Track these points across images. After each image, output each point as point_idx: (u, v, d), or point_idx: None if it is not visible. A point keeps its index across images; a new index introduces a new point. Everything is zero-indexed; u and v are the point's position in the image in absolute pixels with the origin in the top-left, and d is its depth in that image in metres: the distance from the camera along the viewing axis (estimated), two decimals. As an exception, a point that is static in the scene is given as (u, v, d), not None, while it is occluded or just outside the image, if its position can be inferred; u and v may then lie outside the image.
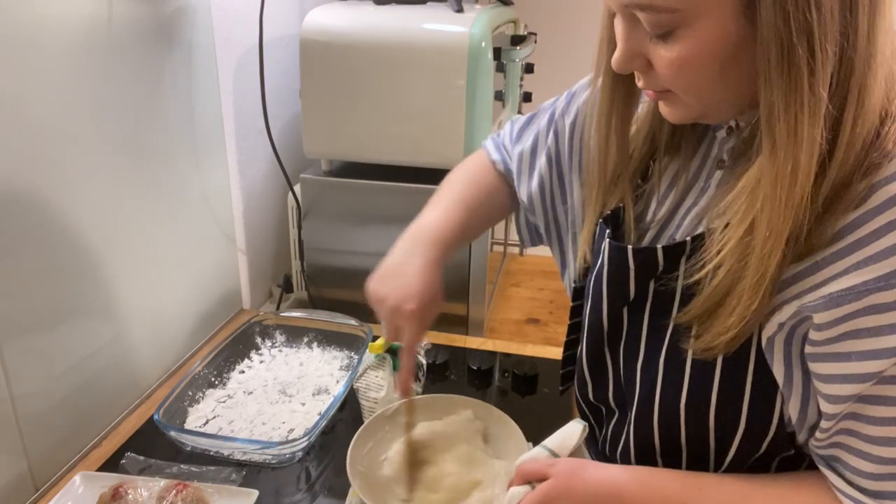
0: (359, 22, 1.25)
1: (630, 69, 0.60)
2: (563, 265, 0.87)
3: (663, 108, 0.62)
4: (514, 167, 0.89)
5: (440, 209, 0.85)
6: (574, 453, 0.72)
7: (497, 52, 1.26)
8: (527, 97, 1.71)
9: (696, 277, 0.59)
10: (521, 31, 1.58)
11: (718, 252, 0.57)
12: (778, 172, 0.52)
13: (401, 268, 0.79)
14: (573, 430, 0.72)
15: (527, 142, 0.87)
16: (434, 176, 1.29)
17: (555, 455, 0.71)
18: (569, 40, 2.17)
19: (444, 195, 0.88)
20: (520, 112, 1.71)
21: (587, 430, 0.73)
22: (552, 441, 0.73)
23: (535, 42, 1.55)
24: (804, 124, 0.50)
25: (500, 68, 1.37)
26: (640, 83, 0.61)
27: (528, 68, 1.66)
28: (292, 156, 1.42)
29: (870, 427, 0.55)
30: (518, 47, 1.37)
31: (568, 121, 0.81)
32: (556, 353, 1.23)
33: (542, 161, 0.85)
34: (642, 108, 0.70)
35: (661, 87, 0.59)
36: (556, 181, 0.85)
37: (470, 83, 1.20)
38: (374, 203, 1.32)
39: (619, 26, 0.58)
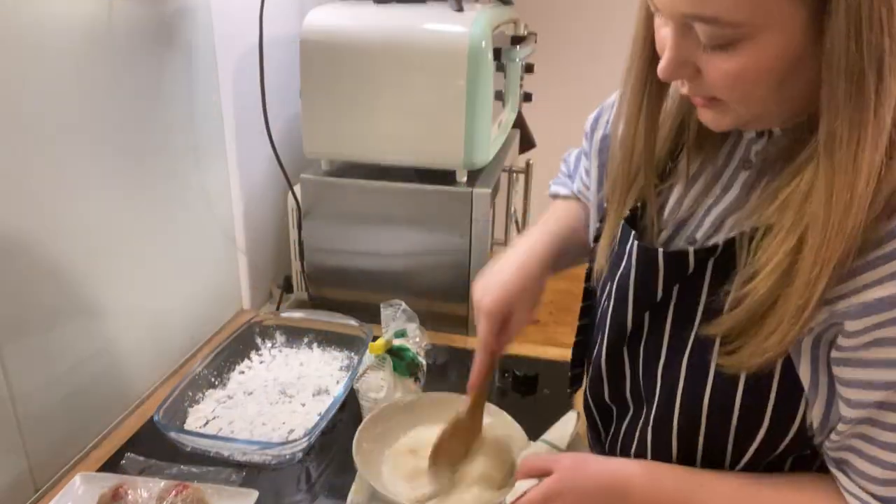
0: (359, 22, 1.24)
1: (678, 77, 0.58)
2: None
3: (706, 115, 0.60)
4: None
5: (539, 229, 0.89)
6: (572, 442, 0.72)
7: (497, 52, 1.25)
8: (527, 97, 1.71)
9: (735, 292, 0.58)
10: (521, 31, 1.58)
11: (758, 268, 0.56)
12: (835, 200, 0.51)
13: (498, 269, 0.82)
14: (568, 420, 0.74)
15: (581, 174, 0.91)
16: (434, 176, 1.30)
17: (554, 447, 0.72)
18: (569, 40, 2.17)
19: (543, 221, 0.92)
20: (520, 112, 1.71)
21: (580, 419, 0.73)
22: (550, 434, 0.74)
23: (535, 42, 1.55)
24: (866, 151, 0.49)
25: (500, 68, 1.37)
26: (684, 89, 0.59)
27: (528, 68, 1.66)
28: (292, 156, 1.42)
29: (885, 433, 0.55)
30: (518, 47, 1.37)
31: (598, 135, 0.81)
32: (556, 353, 1.23)
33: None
34: (666, 106, 0.69)
35: (709, 94, 0.57)
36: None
37: (470, 83, 1.20)
38: (374, 203, 1.32)
39: (668, 33, 0.56)
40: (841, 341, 0.55)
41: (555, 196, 0.98)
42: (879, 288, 0.51)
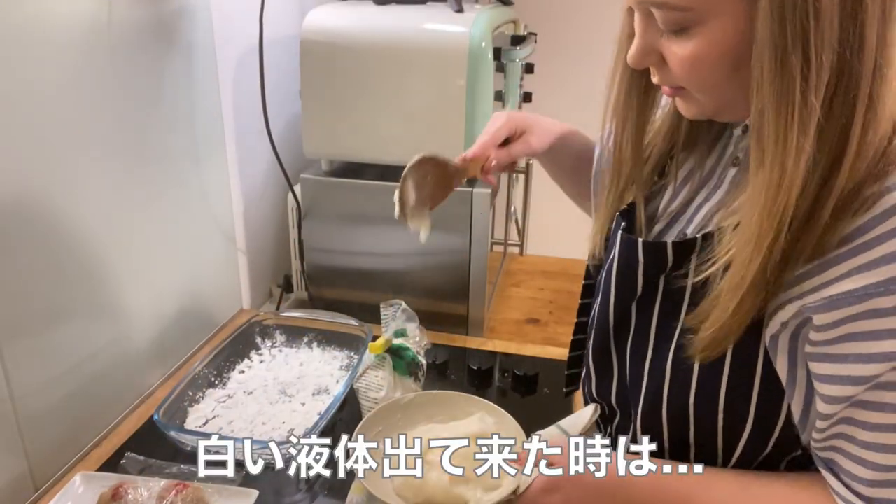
0: (359, 22, 1.25)
1: (644, 64, 0.60)
2: None
3: (679, 104, 0.63)
4: None
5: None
6: (586, 433, 0.73)
7: (497, 52, 1.26)
8: (527, 97, 1.70)
9: (703, 276, 0.59)
10: (521, 31, 1.58)
11: (727, 255, 0.57)
12: (764, 180, 0.52)
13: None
14: (585, 411, 0.75)
15: None
16: (434, 176, 1.30)
17: (565, 433, 0.73)
18: (569, 40, 2.17)
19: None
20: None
21: (598, 411, 0.74)
22: (566, 421, 0.76)
23: (535, 42, 1.55)
24: (793, 132, 0.51)
25: (500, 68, 1.37)
26: (654, 79, 0.62)
27: (528, 68, 1.65)
28: (292, 156, 1.42)
29: (865, 433, 0.55)
30: (518, 47, 1.37)
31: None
32: (556, 353, 1.23)
33: None
34: (662, 108, 0.71)
35: (675, 83, 0.60)
36: None
37: (470, 83, 1.20)
38: (374, 203, 1.32)
39: (636, 21, 0.59)
40: (812, 336, 0.56)
41: None
42: (848, 281, 0.52)
